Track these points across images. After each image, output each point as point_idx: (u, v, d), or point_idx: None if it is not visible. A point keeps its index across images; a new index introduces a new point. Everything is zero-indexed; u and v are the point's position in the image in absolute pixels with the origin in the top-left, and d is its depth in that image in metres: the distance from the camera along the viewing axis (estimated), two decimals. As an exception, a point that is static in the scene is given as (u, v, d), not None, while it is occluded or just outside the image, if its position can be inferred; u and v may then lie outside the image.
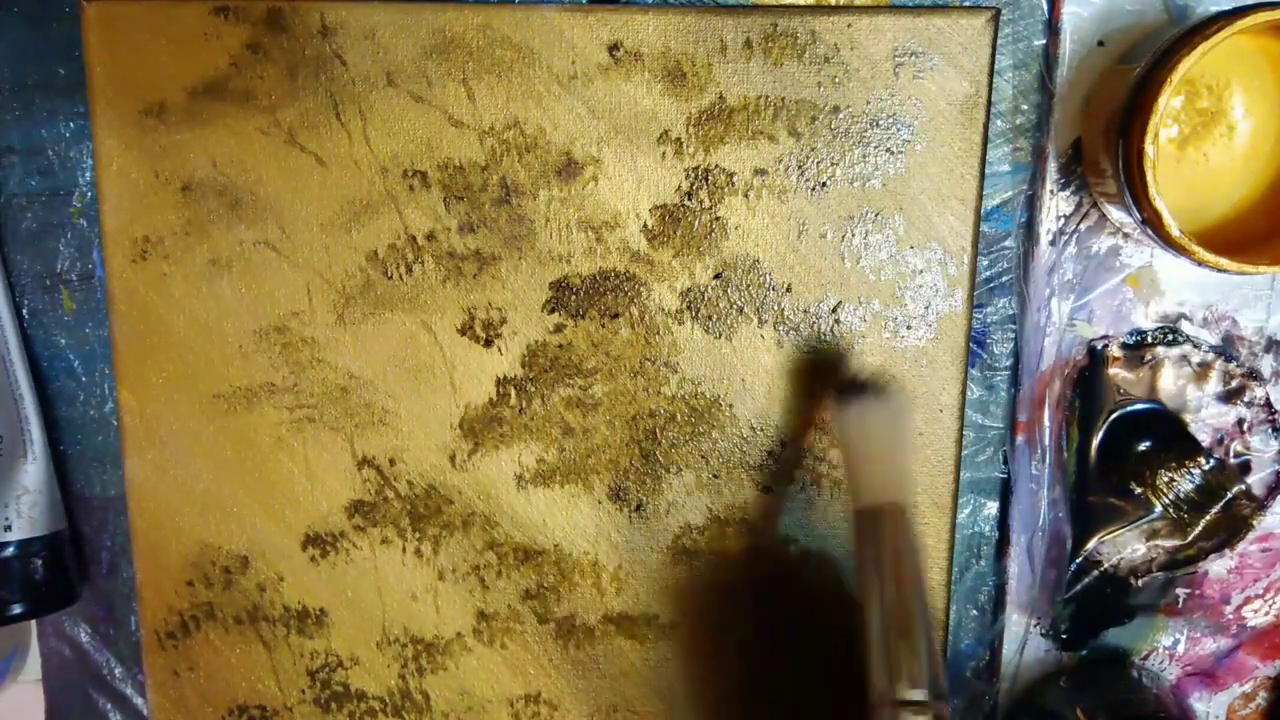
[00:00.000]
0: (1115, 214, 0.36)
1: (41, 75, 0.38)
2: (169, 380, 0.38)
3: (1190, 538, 0.39)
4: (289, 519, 0.39)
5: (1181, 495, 0.39)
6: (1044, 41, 0.38)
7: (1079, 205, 0.38)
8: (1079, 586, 0.40)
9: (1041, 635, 0.40)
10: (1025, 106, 0.38)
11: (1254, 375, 0.39)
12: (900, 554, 0.32)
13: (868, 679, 0.30)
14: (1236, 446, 0.39)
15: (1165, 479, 0.39)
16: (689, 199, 0.37)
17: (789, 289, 0.38)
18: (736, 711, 0.40)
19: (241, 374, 0.38)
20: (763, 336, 0.38)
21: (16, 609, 0.38)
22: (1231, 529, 0.39)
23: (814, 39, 0.36)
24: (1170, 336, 0.38)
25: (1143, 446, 0.39)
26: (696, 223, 0.37)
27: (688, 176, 0.37)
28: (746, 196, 0.37)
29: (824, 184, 0.37)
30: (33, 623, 0.42)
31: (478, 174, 0.37)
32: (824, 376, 0.37)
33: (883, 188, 0.37)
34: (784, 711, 0.40)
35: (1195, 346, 0.38)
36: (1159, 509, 0.39)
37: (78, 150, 0.39)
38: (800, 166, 0.37)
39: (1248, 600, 0.40)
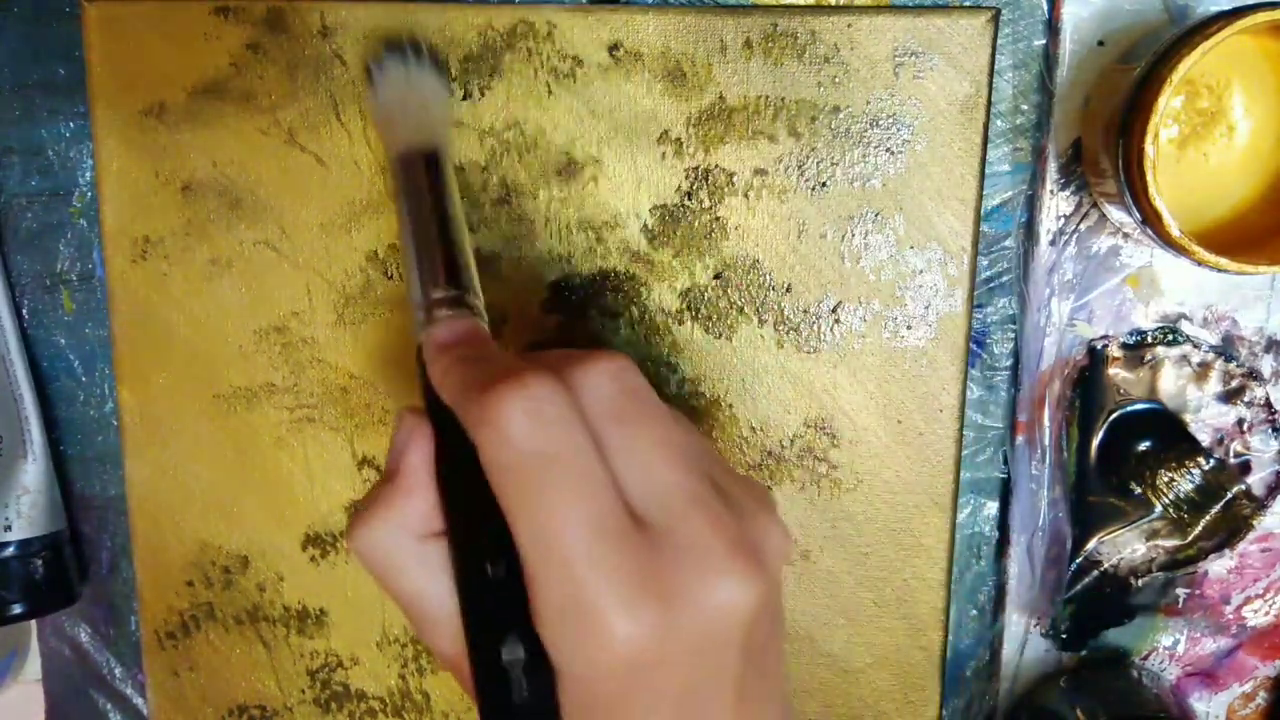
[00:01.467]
0: (1115, 214, 0.36)
1: (41, 75, 0.38)
2: (169, 380, 0.38)
3: (1190, 538, 0.39)
4: (289, 519, 0.39)
5: (1181, 495, 0.39)
6: (1044, 41, 0.38)
7: (1079, 205, 0.38)
8: (1079, 586, 0.40)
9: (1041, 635, 0.40)
10: (1025, 106, 0.38)
11: (1254, 375, 0.39)
12: (434, 190, 0.32)
13: (410, 294, 0.30)
14: (1236, 446, 0.39)
15: (1165, 479, 0.39)
16: (689, 199, 0.37)
17: (789, 289, 0.38)
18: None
19: (241, 374, 0.38)
20: (763, 336, 0.38)
21: (16, 609, 0.38)
22: (1231, 529, 0.39)
23: (814, 39, 0.36)
24: (1170, 336, 0.38)
25: (1143, 446, 0.39)
26: (696, 223, 0.37)
27: (688, 176, 0.37)
28: (746, 196, 0.37)
29: (824, 184, 0.37)
30: (33, 623, 0.42)
31: (478, 174, 0.37)
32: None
33: (883, 188, 0.37)
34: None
35: (1195, 346, 0.38)
36: (1159, 509, 0.39)
37: (78, 150, 0.39)
38: (800, 166, 0.37)
39: (1248, 600, 0.40)
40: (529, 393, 0.23)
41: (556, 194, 0.37)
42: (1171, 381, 0.39)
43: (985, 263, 0.39)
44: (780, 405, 0.38)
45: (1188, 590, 0.40)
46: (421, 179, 0.32)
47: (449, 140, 0.35)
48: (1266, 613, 0.40)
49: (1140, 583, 0.40)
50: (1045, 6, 0.37)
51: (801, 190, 0.37)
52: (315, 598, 0.39)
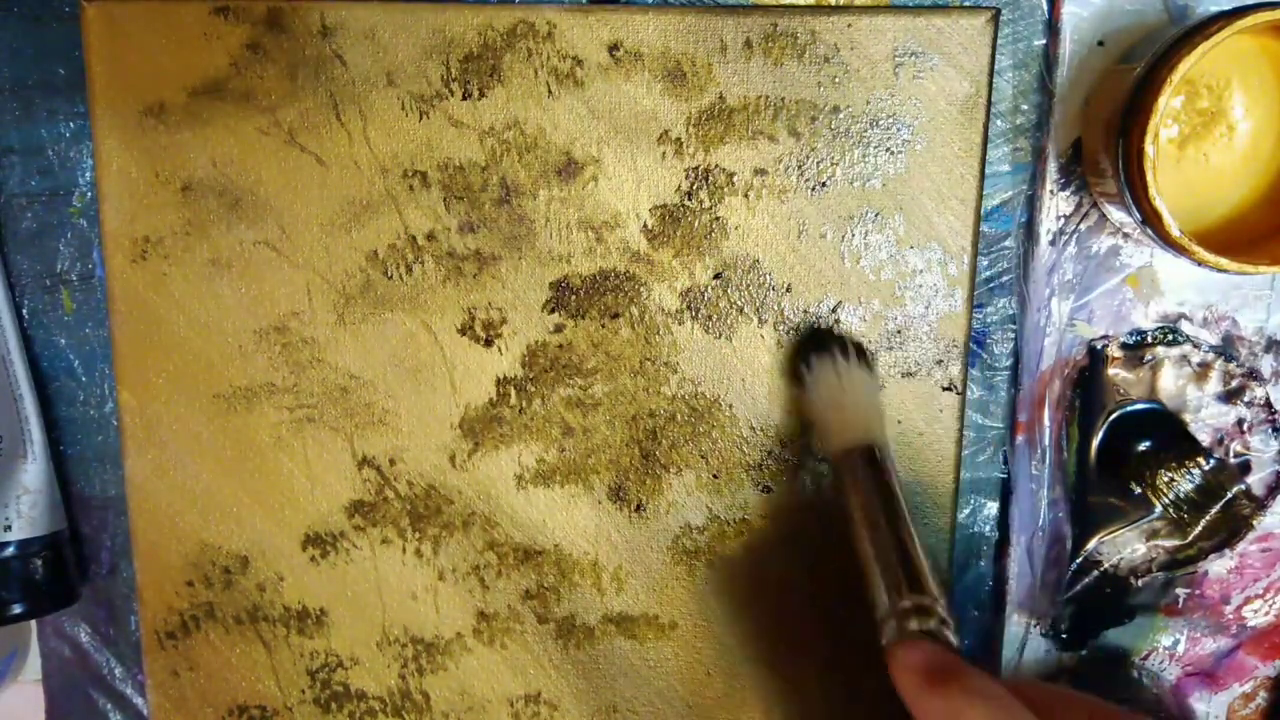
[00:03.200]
0: (1115, 214, 0.36)
1: (41, 75, 0.38)
2: (169, 380, 0.38)
3: (1190, 538, 0.39)
4: (289, 519, 0.39)
5: (1181, 495, 0.39)
6: (1044, 41, 0.38)
7: (1079, 205, 0.38)
8: (1079, 586, 0.40)
9: (1041, 635, 0.40)
10: (1025, 106, 0.38)
11: (1254, 375, 0.39)
12: (881, 488, 0.32)
13: (873, 608, 0.30)
14: (1236, 446, 0.39)
15: (1165, 479, 0.39)
16: (689, 199, 0.37)
17: (789, 289, 0.38)
18: (737, 711, 0.40)
19: (241, 374, 0.38)
20: (763, 336, 0.38)
21: (16, 609, 0.38)
22: (1231, 529, 0.39)
23: (814, 39, 0.36)
24: (1170, 336, 0.38)
25: (1143, 446, 0.39)
26: (696, 223, 0.37)
27: (688, 176, 0.37)
28: (746, 196, 0.37)
29: (824, 184, 0.37)
30: (33, 623, 0.42)
31: (478, 174, 0.37)
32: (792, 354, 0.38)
33: (883, 188, 0.37)
34: (785, 710, 0.40)
35: (1195, 346, 0.38)
36: (1159, 509, 0.39)
37: (78, 150, 0.39)
38: (800, 166, 0.37)
39: (1248, 600, 0.40)
40: None
41: (556, 194, 0.37)
42: (1171, 381, 0.39)
43: (985, 263, 0.39)
44: (780, 405, 0.38)
45: (1188, 590, 0.40)
46: (865, 476, 0.33)
47: (885, 435, 0.36)
48: (1266, 613, 0.40)
49: (1140, 583, 0.40)
50: (1045, 6, 0.37)
51: (801, 190, 0.37)
52: (315, 598, 0.39)
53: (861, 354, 0.37)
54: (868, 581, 0.31)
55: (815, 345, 0.37)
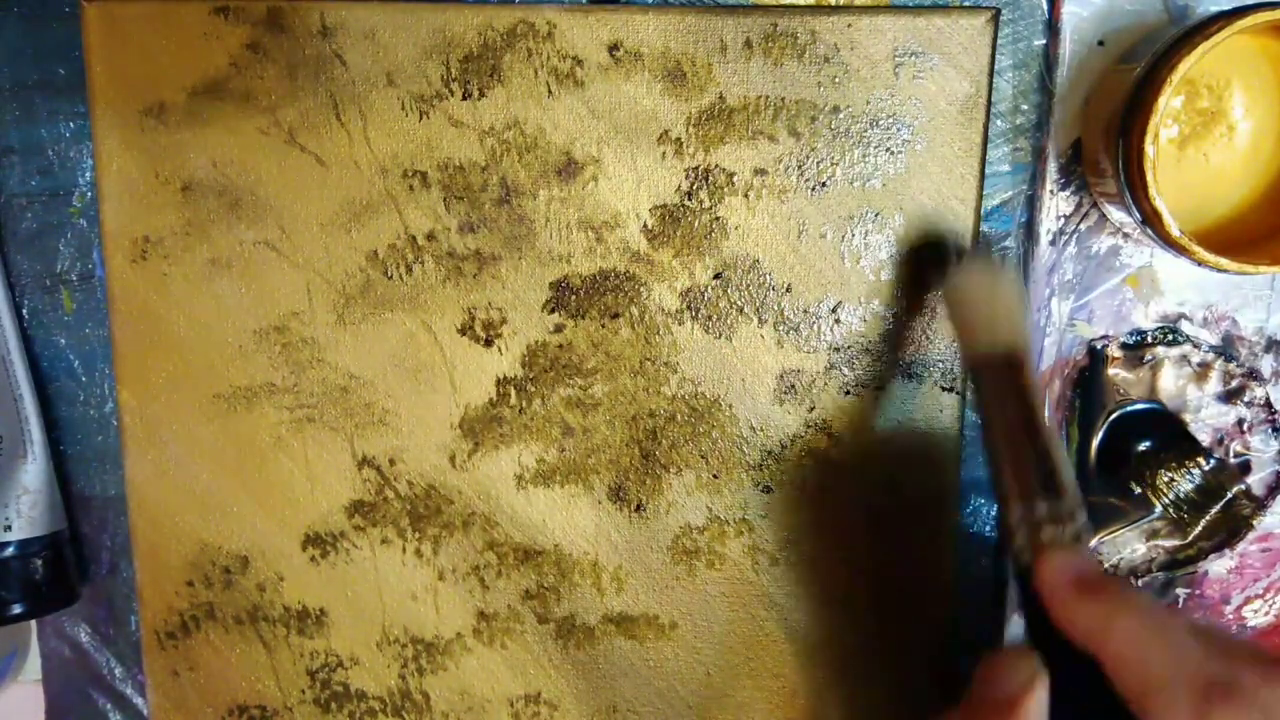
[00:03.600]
0: (1115, 214, 0.36)
1: (41, 75, 0.38)
2: (169, 380, 0.38)
3: (1190, 538, 0.39)
4: (289, 519, 0.39)
5: (1181, 495, 0.39)
6: (1044, 41, 0.38)
7: (1079, 205, 0.38)
8: (1079, 586, 0.39)
9: (1041, 635, 0.40)
10: (1025, 106, 0.38)
11: (1254, 375, 0.39)
12: (1022, 393, 0.31)
13: (1003, 513, 0.30)
14: (1236, 446, 0.39)
15: (1165, 479, 0.39)
16: (689, 199, 0.37)
17: (789, 289, 0.38)
18: (737, 711, 0.40)
19: (241, 374, 0.38)
20: (763, 336, 0.38)
21: (16, 609, 0.38)
22: (1231, 529, 0.39)
23: (814, 39, 0.36)
24: (1170, 336, 0.38)
25: (1143, 446, 0.39)
26: (696, 223, 0.37)
27: (688, 176, 0.37)
28: (746, 196, 0.37)
29: (824, 184, 0.37)
30: (33, 623, 0.42)
31: (478, 174, 0.37)
32: (930, 256, 0.37)
33: (883, 188, 0.37)
34: (785, 711, 0.40)
35: (1195, 346, 0.38)
36: (1159, 509, 0.39)
37: (78, 150, 0.39)
38: (800, 166, 0.37)
39: (1248, 600, 0.40)
40: (1238, 715, 0.22)
41: (556, 194, 0.37)
42: (1171, 381, 0.39)
43: (985, 263, 0.39)
44: (780, 405, 0.38)
45: (1188, 590, 0.40)
46: (1006, 383, 0.32)
47: (1029, 343, 0.35)
48: (1266, 612, 0.40)
49: (1140, 583, 0.40)
50: (1045, 6, 0.37)
51: (801, 190, 0.37)
52: (315, 598, 0.39)
53: (1006, 265, 0.36)
54: (1002, 490, 0.30)
55: (953, 241, 0.35)
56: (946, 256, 0.35)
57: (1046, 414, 0.31)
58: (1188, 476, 0.39)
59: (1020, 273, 0.37)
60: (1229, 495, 0.39)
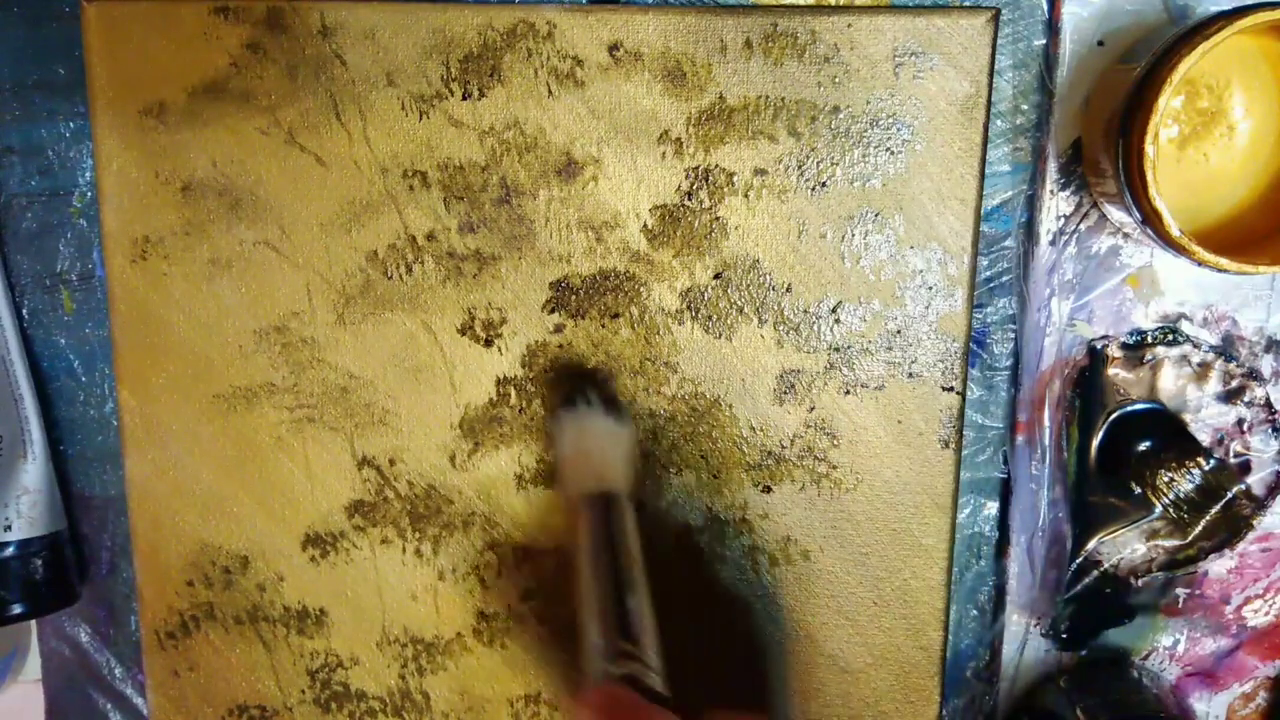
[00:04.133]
0: (1115, 214, 0.36)
1: (41, 75, 0.38)
2: (169, 380, 0.38)
3: (1190, 538, 0.39)
4: (289, 519, 0.39)
5: (1181, 495, 0.39)
6: (1044, 41, 0.38)
7: (1079, 205, 0.38)
8: (1079, 586, 0.40)
9: (1041, 635, 0.40)
10: (1025, 106, 0.38)
11: (1254, 375, 0.39)
12: (608, 535, 0.33)
13: (582, 647, 0.31)
14: (1236, 446, 0.39)
15: (1165, 479, 0.39)
16: (689, 199, 0.37)
17: (789, 289, 0.38)
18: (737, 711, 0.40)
19: (241, 374, 0.38)
20: (763, 336, 0.38)
21: (16, 609, 0.38)
22: (1231, 529, 0.39)
23: (814, 39, 0.36)
24: (1170, 336, 0.38)
25: (1143, 446, 0.39)
26: (696, 223, 0.37)
27: (688, 176, 0.37)
28: (746, 196, 0.37)
29: (824, 184, 0.37)
30: (33, 623, 0.42)
31: (478, 174, 0.37)
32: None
33: (883, 188, 0.37)
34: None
35: (1195, 346, 0.38)
36: (1159, 509, 0.39)
37: (78, 150, 0.39)
38: (800, 166, 0.37)
39: (1248, 600, 0.40)
40: None
41: (556, 194, 0.37)
42: (1171, 381, 0.39)
43: (985, 263, 0.39)
44: (780, 405, 0.38)
45: (1188, 590, 0.40)
46: (593, 523, 0.33)
47: (628, 482, 0.36)
48: (1266, 612, 0.40)
49: (1140, 583, 0.40)
50: (1045, 6, 0.37)
51: (801, 190, 0.37)
52: (315, 598, 0.39)
53: (611, 400, 0.37)
54: (580, 627, 0.31)
55: (569, 391, 0.37)
56: (573, 400, 0.37)
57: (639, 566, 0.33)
58: (1188, 476, 0.39)
59: (621, 413, 0.37)
60: (1229, 495, 0.39)
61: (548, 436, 0.38)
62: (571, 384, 0.37)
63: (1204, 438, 0.39)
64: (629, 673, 0.29)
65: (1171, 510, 0.39)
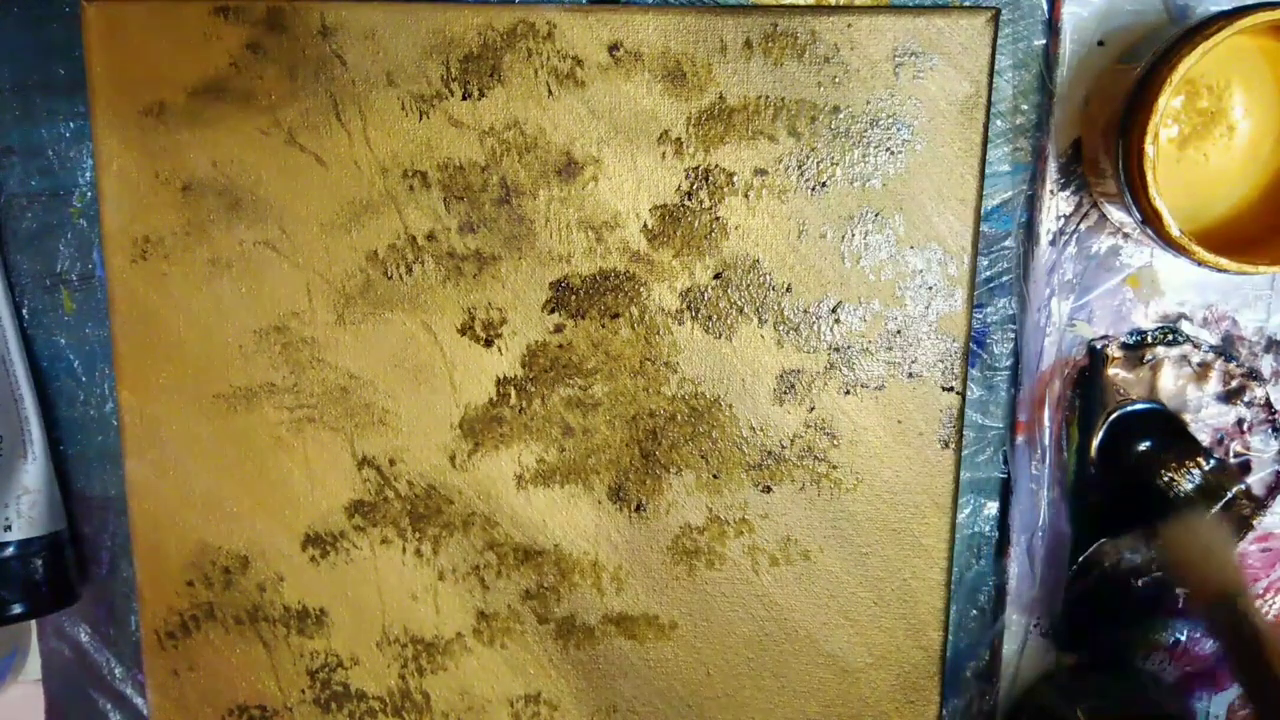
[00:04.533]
0: (1115, 214, 0.36)
1: (41, 75, 0.38)
2: (169, 380, 0.38)
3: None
4: (289, 519, 0.39)
5: (1181, 495, 0.39)
6: (1044, 41, 0.38)
7: (1079, 205, 0.38)
8: (1079, 587, 0.39)
9: (1041, 635, 0.40)
10: (1025, 106, 0.38)
11: (1254, 375, 0.39)
12: (1246, 637, 0.35)
13: None
14: (1236, 446, 0.39)
15: (1165, 479, 0.39)
16: (689, 199, 0.37)
17: (789, 289, 0.38)
18: (737, 711, 0.40)
19: (241, 374, 0.38)
20: (763, 336, 0.38)
21: (16, 609, 0.38)
22: (1232, 529, 0.39)
23: (814, 39, 0.36)
24: (1170, 336, 0.38)
25: (1143, 446, 0.39)
26: (696, 223, 0.37)
27: (688, 176, 0.37)
28: (746, 196, 0.37)
29: (824, 184, 0.37)
30: (33, 623, 0.42)
31: (478, 174, 0.37)
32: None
33: (883, 188, 0.37)
34: (784, 711, 0.40)
35: (1195, 346, 0.38)
36: (1163, 509, 0.39)
37: (78, 150, 0.39)
38: (800, 166, 0.37)
39: (1248, 600, 0.40)
40: None
41: (556, 194, 0.37)
42: (1171, 381, 0.39)
43: (985, 263, 0.39)
44: (780, 405, 0.38)
45: (1188, 590, 0.40)
46: (1227, 628, 0.35)
47: (1242, 583, 0.38)
48: (1267, 613, 0.40)
49: (1140, 583, 0.40)
50: (1045, 6, 0.37)
51: (801, 190, 0.37)
52: (315, 598, 0.39)
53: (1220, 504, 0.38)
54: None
55: (1165, 507, 0.38)
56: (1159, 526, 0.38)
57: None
58: (1188, 476, 0.39)
59: (1221, 519, 0.39)
60: (1229, 495, 0.39)
61: (1163, 551, 0.39)
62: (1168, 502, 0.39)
63: (1204, 438, 0.39)
64: None
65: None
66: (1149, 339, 0.38)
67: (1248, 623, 0.35)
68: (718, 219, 0.37)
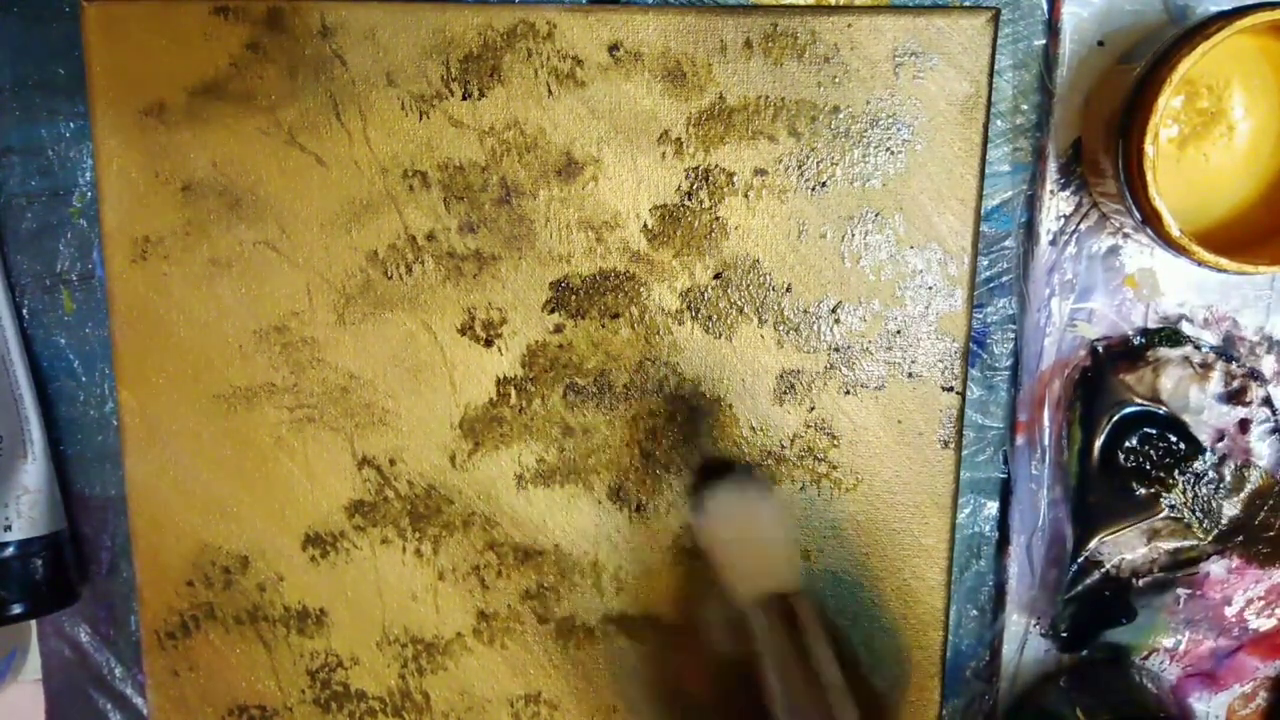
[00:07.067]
0: (1115, 214, 0.36)
1: (41, 75, 0.38)
2: (169, 380, 0.38)
3: (1208, 537, 0.39)
4: (289, 519, 0.39)
5: (1183, 495, 0.39)
6: (1044, 41, 0.38)
7: (1079, 205, 0.38)
8: (1079, 586, 0.40)
9: (1041, 635, 0.40)
10: (1025, 106, 0.38)
11: (1255, 375, 0.39)
12: (807, 642, 0.32)
13: None
14: (1238, 447, 0.39)
15: (1166, 479, 0.39)
16: (689, 199, 0.37)
17: (789, 289, 0.38)
18: (736, 712, 0.40)
19: (241, 374, 0.38)
20: (763, 336, 0.38)
21: (16, 609, 0.38)
22: (1244, 529, 0.39)
23: (814, 39, 0.36)
24: (1171, 337, 0.38)
25: (1144, 447, 0.39)
26: (696, 223, 0.37)
27: (688, 176, 0.37)
28: (746, 196, 0.37)
29: (824, 184, 0.37)
30: (33, 623, 0.42)
31: (478, 174, 0.37)
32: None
33: (883, 188, 0.37)
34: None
35: (1196, 347, 0.38)
36: (1162, 510, 0.39)
37: (78, 150, 0.39)
38: (800, 166, 0.37)
39: (1249, 601, 0.40)
40: None
41: (556, 194, 0.37)
42: (1172, 382, 0.39)
43: (985, 263, 0.39)
44: (780, 405, 0.38)
45: (1188, 591, 0.40)
46: (783, 630, 0.31)
47: (798, 577, 0.34)
48: (1268, 614, 0.40)
49: (1141, 583, 0.40)
50: (1045, 6, 0.37)
51: (801, 190, 0.37)
52: (315, 598, 0.39)
53: (757, 482, 0.35)
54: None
55: (712, 476, 0.35)
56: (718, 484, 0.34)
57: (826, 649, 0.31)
58: (1189, 477, 0.39)
59: (772, 494, 0.35)
60: (1243, 494, 0.39)
61: (699, 526, 0.36)
62: (705, 469, 0.36)
63: (1205, 438, 0.39)
64: None
65: (1184, 510, 0.39)
66: (1150, 339, 0.38)
67: (798, 623, 0.31)
68: (718, 219, 0.37)
